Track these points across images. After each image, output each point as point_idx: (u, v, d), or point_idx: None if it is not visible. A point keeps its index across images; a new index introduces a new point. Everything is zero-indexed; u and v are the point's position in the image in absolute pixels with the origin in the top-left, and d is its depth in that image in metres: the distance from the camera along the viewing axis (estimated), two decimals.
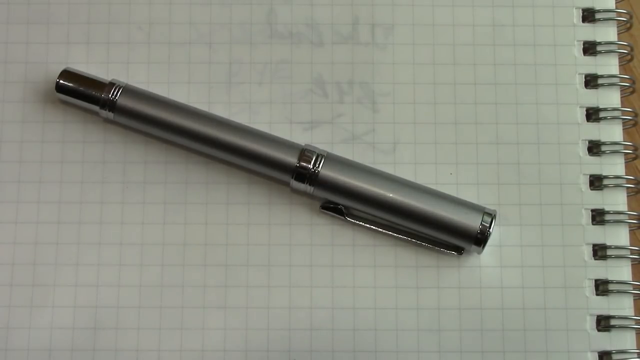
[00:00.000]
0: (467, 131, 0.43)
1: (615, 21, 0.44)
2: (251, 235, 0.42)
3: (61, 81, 0.42)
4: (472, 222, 0.40)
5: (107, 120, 0.43)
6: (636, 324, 0.41)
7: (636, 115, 0.43)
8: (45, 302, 0.41)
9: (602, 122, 0.43)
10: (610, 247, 0.42)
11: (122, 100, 0.41)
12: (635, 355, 0.41)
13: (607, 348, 0.41)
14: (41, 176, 0.42)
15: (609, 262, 0.42)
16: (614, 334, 0.41)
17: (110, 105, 0.41)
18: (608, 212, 0.42)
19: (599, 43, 0.44)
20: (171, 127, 0.41)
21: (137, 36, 0.44)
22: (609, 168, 0.43)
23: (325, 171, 0.40)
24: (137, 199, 0.42)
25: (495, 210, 0.41)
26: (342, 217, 0.42)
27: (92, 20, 0.44)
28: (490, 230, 0.40)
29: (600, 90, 0.43)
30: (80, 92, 0.42)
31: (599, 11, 0.44)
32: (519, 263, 0.42)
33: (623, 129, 0.43)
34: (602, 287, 0.41)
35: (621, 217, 0.42)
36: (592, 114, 0.43)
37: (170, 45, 0.44)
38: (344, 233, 0.42)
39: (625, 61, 0.44)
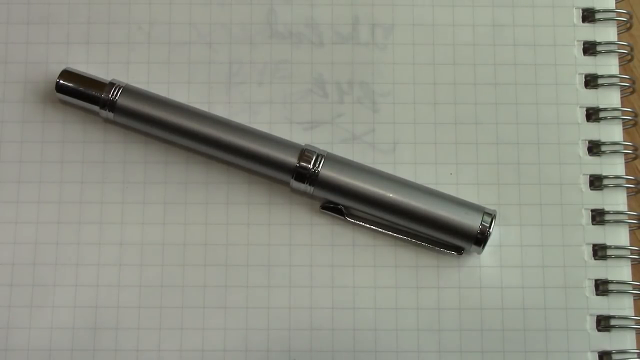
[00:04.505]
0: (467, 131, 0.43)
1: (615, 21, 0.44)
2: (251, 235, 0.42)
3: (61, 81, 0.42)
4: (472, 222, 0.40)
5: (107, 120, 0.43)
6: (636, 324, 0.41)
7: (636, 115, 0.43)
8: (45, 302, 0.41)
9: (602, 122, 0.43)
10: (610, 247, 0.42)
11: (122, 100, 0.41)
12: (635, 355, 0.41)
13: (607, 348, 0.41)
14: (41, 176, 0.42)
15: (609, 262, 0.42)
16: (614, 334, 0.41)
17: (110, 105, 0.41)
18: (608, 212, 0.42)
19: (599, 43, 0.44)
20: (171, 127, 0.41)
21: (137, 36, 0.44)
22: (609, 168, 0.43)
23: (325, 171, 0.40)
24: (137, 199, 0.42)
25: (495, 210, 0.41)
26: (342, 217, 0.42)
27: (92, 20, 0.44)
28: (490, 230, 0.40)
29: (600, 90, 0.43)
30: (80, 92, 0.42)
31: (599, 11, 0.44)
32: (519, 263, 0.42)
33: (623, 129, 0.43)
34: (602, 287, 0.41)
35: (621, 217, 0.42)
36: (592, 114, 0.43)
37: (170, 45, 0.44)
38: (344, 233, 0.42)
39: (625, 61, 0.44)
